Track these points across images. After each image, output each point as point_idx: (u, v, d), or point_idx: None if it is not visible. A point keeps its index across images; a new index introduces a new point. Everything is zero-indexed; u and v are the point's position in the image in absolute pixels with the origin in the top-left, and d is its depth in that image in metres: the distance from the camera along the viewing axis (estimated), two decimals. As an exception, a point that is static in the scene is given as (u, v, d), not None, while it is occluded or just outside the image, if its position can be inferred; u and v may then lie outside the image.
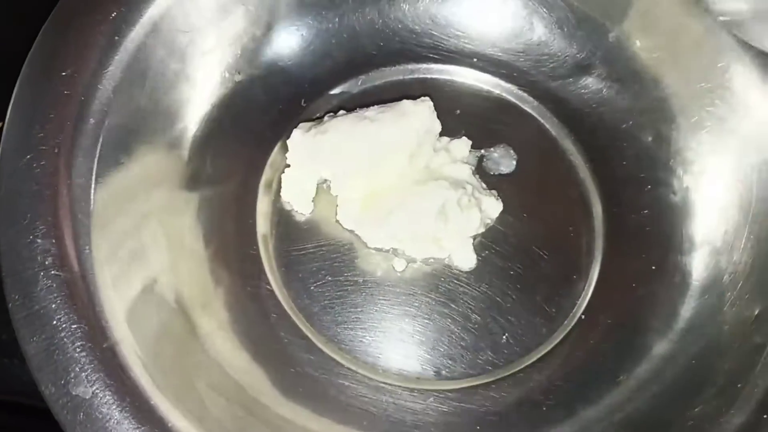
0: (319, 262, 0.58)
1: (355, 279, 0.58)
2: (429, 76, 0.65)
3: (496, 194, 0.60)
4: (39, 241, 0.45)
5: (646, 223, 0.59)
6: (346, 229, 0.59)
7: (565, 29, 0.64)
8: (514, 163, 0.62)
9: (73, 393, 0.42)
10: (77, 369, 0.43)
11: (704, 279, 0.56)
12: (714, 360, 0.52)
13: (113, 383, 0.43)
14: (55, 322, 0.43)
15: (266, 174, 0.61)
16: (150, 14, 0.54)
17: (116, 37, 0.52)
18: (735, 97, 0.56)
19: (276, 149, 0.62)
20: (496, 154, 0.63)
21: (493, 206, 0.59)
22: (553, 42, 0.64)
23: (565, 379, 0.55)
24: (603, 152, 0.62)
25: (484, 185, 0.60)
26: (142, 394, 0.44)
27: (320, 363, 0.55)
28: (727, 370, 0.50)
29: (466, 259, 0.58)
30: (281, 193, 0.59)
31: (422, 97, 0.58)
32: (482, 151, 0.62)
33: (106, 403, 0.42)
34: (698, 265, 0.56)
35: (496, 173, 0.62)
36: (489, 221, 0.59)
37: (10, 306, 0.44)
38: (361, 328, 0.56)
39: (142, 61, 0.53)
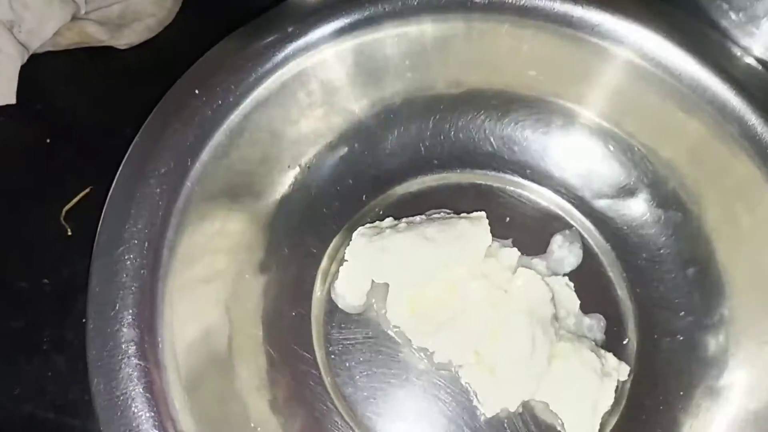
0: (367, 354, 0.62)
1: (398, 373, 0.62)
2: (483, 182, 0.70)
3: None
4: (125, 330, 0.50)
5: (680, 348, 0.62)
6: (394, 325, 0.62)
7: (616, 153, 0.67)
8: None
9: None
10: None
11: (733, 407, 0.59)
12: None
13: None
14: (133, 410, 0.48)
15: (325, 262, 0.65)
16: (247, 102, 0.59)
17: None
18: (754, 242, 0.59)
19: (335, 240, 0.66)
20: (541, 264, 0.66)
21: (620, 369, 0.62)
22: (602, 162, 0.68)
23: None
24: (643, 274, 0.66)
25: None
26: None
27: (361, 457, 0.59)
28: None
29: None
30: (336, 284, 0.64)
31: (477, 213, 0.62)
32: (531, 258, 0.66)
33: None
34: (723, 400, 0.59)
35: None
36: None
37: (92, 390, 0.48)
38: (401, 421, 0.60)
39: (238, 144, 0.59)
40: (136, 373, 0.49)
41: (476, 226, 0.61)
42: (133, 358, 0.49)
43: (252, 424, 0.56)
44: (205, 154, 0.57)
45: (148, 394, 0.49)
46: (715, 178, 0.62)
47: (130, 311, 0.50)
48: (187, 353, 0.53)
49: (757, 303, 0.60)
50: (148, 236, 0.53)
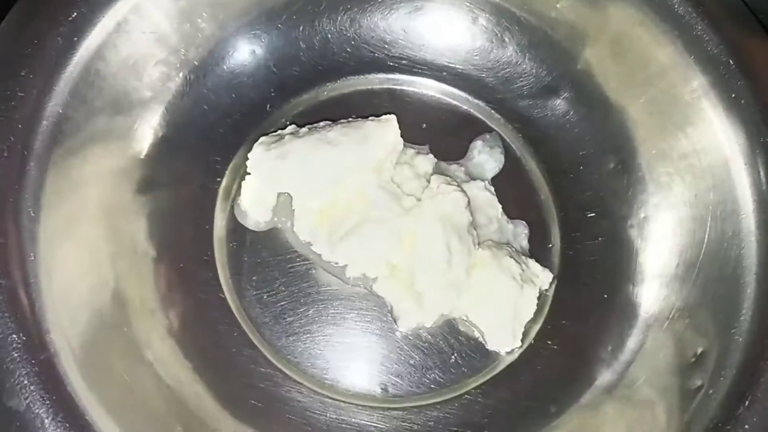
0: (274, 272, 0.58)
1: (309, 291, 0.58)
2: (398, 87, 0.65)
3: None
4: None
5: (602, 252, 0.60)
6: (304, 241, 0.58)
7: (536, 51, 0.63)
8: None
9: (7, 405, 0.42)
10: (12, 380, 0.42)
11: (652, 312, 0.56)
12: (653, 398, 0.52)
13: (48, 396, 0.43)
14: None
15: (227, 179, 0.60)
16: (111, 15, 0.53)
17: (75, 38, 0.51)
18: (698, 133, 0.56)
19: (238, 154, 0.61)
20: (459, 170, 0.62)
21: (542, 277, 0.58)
22: (523, 62, 0.64)
23: (509, 405, 0.55)
24: (564, 176, 0.62)
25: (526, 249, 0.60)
26: (77, 408, 0.44)
27: (267, 375, 0.55)
28: (665, 410, 0.50)
29: (505, 342, 0.57)
30: (240, 201, 0.59)
31: (387, 116, 0.58)
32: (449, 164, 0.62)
33: (39, 417, 0.42)
34: (648, 298, 0.57)
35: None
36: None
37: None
38: (311, 341, 0.57)
39: (99, 60, 0.52)
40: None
41: (384, 128, 0.56)
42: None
43: (147, 354, 0.51)
44: (78, 58, 0.51)
45: (12, 314, 0.44)
46: (637, 69, 0.58)
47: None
48: (66, 272, 0.48)
49: (680, 198, 0.57)
50: (9, 145, 0.47)
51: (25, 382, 0.43)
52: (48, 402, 0.43)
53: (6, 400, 0.42)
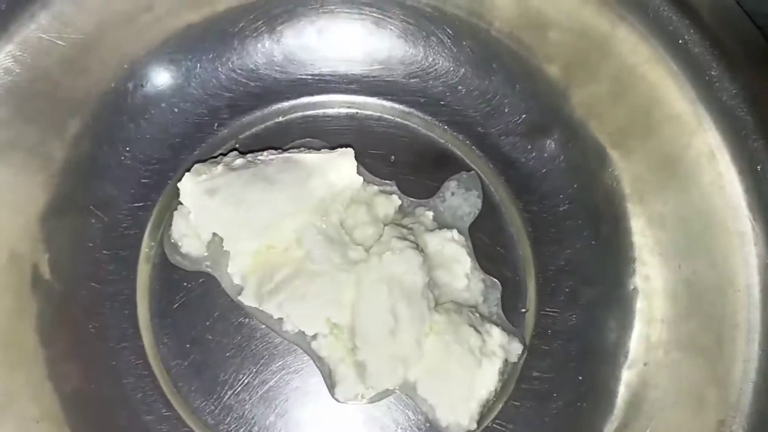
0: (202, 317, 0.51)
1: (240, 343, 0.51)
2: (363, 111, 0.57)
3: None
4: None
5: (581, 324, 0.51)
6: (236, 284, 0.50)
7: (526, 83, 0.55)
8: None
9: None
10: None
11: (633, 404, 0.48)
12: None
13: None
14: None
15: (160, 205, 0.53)
16: (31, 15, 0.46)
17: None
18: (703, 197, 0.47)
19: (176, 176, 0.53)
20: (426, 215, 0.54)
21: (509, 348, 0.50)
22: (511, 94, 0.56)
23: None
24: (547, 231, 0.54)
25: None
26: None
27: (175, 437, 0.48)
28: None
29: (458, 424, 0.48)
30: (171, 233, 0.51)
31: (342, 149, 0.50)
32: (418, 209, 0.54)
33: None
34: (630, 386, 0.49)
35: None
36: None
37: None
38: (236, 403, 0.50)
39: (15, 63, 0.46)
40: None
41: (334, 165, 0.49)
42: None
43: (28, 416, 0.44)
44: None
45: None
46: (640, 114, 0.49)
47: None
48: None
49: (674, 272, 0.48)
50: None
51: None
52: None
53: None
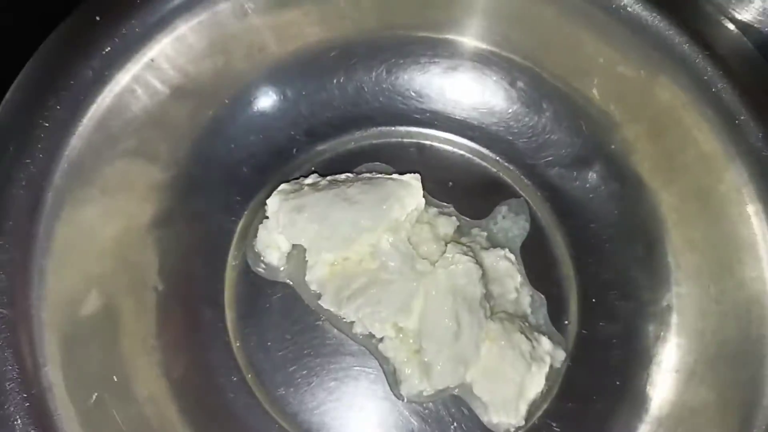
0: (282, 320, 0.57)
1: (314, 343, 0.57)
2: (428, 142, 0.64)
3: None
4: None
5: (619, 336, 0.57)
6: (313, 292, 0.57)
7: (572, 121, 0.61)
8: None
9: (-6, 435, 0.42)
10: (3, 408, 0.42)
11: (665, 407, 0.54)
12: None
13: (36, 429, 0.43)
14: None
15: (244, 220, 0.60)
16: (144, 51, 0.53)
17: (106, 72, 0.51)
18: (732, 227, 0.53)
19: (259, 195, 0.61)
20: (481, 234, 0.61)
21: (554, 355, 0.57)
22: (558, 130, 0.62)
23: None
24: (589, 253, 0.60)
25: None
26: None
27: (261, 424, 0.54)
28: None
29: (508, 419, 0.55)
30: (255, 243, 0.58)
31: (411, 175, 0.57)
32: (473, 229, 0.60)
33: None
34: (662, 391, 0.54)
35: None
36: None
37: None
38: (310, 394, 0.56)
39: (129, 94, 0.53)
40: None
41: (406, 189, 0.55)
42: (-6, 306, 0.44)
43: (139, 392, 0.51)
44: (107, 93, 0.52)
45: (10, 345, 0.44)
46: (675, 151, 0.56)
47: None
48: (67, 306, 0.48)
49: (706, 292, 0.54)
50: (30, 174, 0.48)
51: (14, 412, 0.43)
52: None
53: (-7, 430, 0.42)
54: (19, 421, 0.43)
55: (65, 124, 0.50)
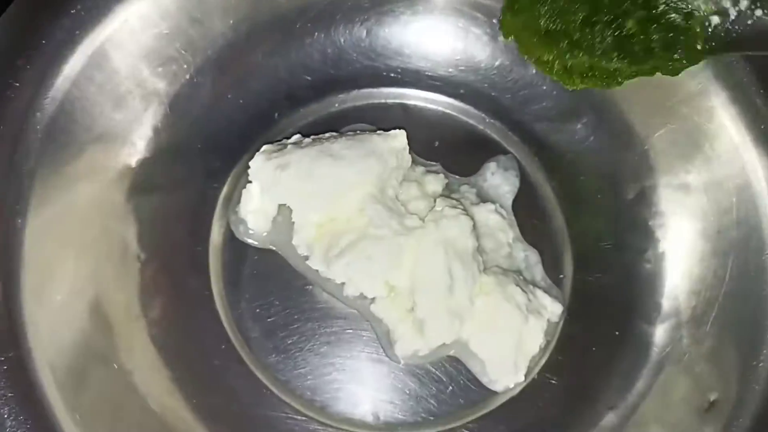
0: (270, 285, 0.56)
1: (304, 307, 0.56)
2: (411, 102, 0.63)
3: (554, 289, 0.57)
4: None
5: (615, 286, 0.56)
6: (301, 255, 0.56)
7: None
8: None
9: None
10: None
11: (665, 353, 0.53)
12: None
13: (14, 395, 0.41)
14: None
15: (227, 186, 0.58)
16: (118, 10, 0.51)
17: (77, 32, 0.50)
18: (723, 166, 0.52)
19: (241, 161, 0.59)
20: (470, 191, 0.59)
21: (550, 309, 0.55)
22: (543, 83, 0.61)
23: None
24: (580, 205, 0.59)
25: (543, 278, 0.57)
26: (44, 410, 0.42)
27: (252, 392, 0.52)
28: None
29: (507, 376, 0.53)
30: (239, 209, 0.57)
31: (396, 130, 0.55)
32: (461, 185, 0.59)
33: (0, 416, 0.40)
34: (661, 337, 0.53)
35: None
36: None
37: None
38: (302, 360, 0.54)
39: (102, 56, 0.51)
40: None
41: (391, 143, 0.54)
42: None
43: (126, 362, 0.49)
44: (81, 54, 0.50)
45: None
46: (663, 96, 0.55)
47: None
48: (49, 269, 0.47)
49: (701, 233, 0.53)
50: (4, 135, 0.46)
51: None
52: (13, 401, 0.41)
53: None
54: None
55: (37, 83, 0.48)
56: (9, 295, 0.44)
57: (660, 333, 0.53)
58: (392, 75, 0.62)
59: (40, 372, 0.43)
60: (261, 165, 0.54)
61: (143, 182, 0.55)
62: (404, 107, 0.62)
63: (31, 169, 0.47)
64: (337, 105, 0.62)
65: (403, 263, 0.52)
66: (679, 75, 0.51)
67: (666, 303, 0.54)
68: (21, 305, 0.44)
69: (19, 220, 0.46)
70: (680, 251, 0.55)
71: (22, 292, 0.44)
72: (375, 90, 0.62)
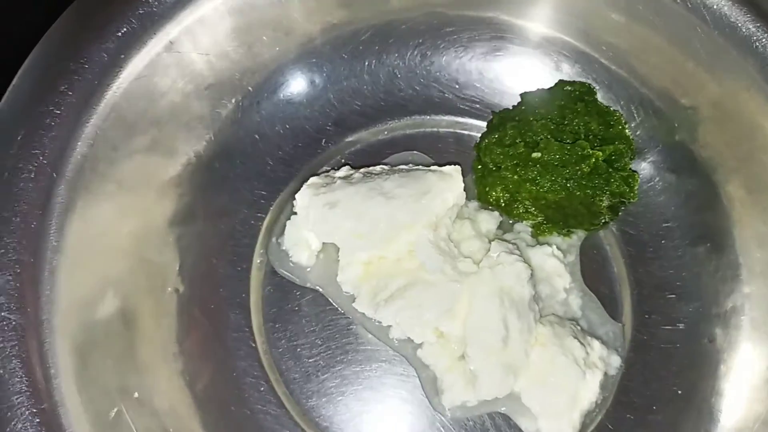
0: (312, 323, 0.53)
1: (347, 348, 0.53)
2: (466, 132, 0.59)
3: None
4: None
5: (680, 340, 0.53)
6: (346, 293, 0.53)
7: (624, 106, 0.57)
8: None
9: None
10: (8, 429, 0.38)
11: (734, 419, 0.49)
12: None
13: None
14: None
15: (271, 214, 0.56)
16: (162, 34, 0.49)
17: (122, 56, 0.47)
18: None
19: (287, 189, 0.56)
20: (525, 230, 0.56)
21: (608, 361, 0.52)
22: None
23: None
24: (643, 249, 0.56)
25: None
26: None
27: (291, 438, 0.50)
28: None
29: None
30: (282, 241, 0.54)
31: (451, 167, 0.52)
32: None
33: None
34: (729, 401, 0.50)
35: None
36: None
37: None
38: (343, 405, 0.52)
39: (148, 81, 0.49)
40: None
41: (446, 182, 0.51)
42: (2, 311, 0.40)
43: (160, 404, 0.47)
44: (124, 78, 0.48)
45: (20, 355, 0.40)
46: (740, 139, 0.51)
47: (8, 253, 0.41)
48: (81, 310, 0.44)
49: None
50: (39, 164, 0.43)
51: (21, 428, 0.39)
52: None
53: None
54: (30, 437, 0.39)
55: (78, 111, 0.46)
56: (43, 343, 0.41)
57: (728, 396, 0.50)
58: (446, 103, 0.59)
59: (74, 422, 0.41)
60: (308, 199, 0.51)
61: (184, 210, 0.53)
62: (457, 137, 0.59)
63: (68, 202, 0.44)
64: (386, 133, 0.59)
65: (455, 312, 0.49)
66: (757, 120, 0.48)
67: (734, 365, 0.51)
68: (54, 350, 0.42)
69: (55, 256, 0.43)
70: (752, 309, 0.51)
71: (56, 338, 0.42)
72: (427, 117, 0.59)
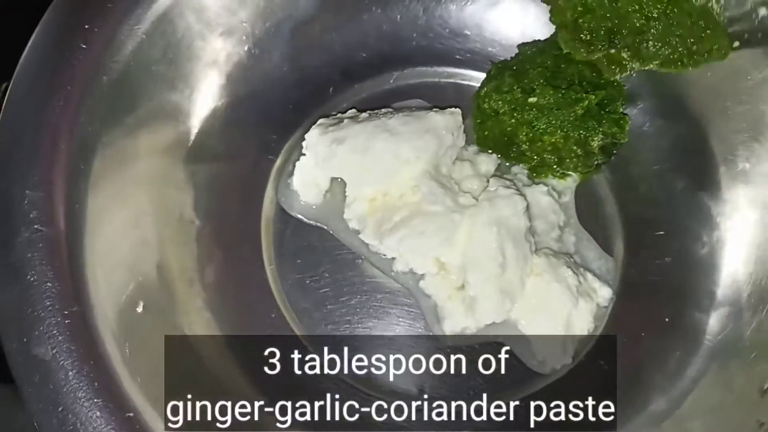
0: (320, 257, 0.56)
1: (354, 280, 0.56)
2: (466, 82, 0.62)
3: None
4: (28, 192, 0.44)
5: (667, 272, 0.55)
6: (352, 229, 0.56)
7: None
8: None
9: (33, 353, 0.41)
10: (41, 328, 0.41)
11: (718, 341, 0.52)
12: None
13: (76, 349, 0.42)
14: (29, 277, 0.42)
15: (281, 158, 0.59)
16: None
17: (144, -2, 0.50)
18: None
19: (296, 134, 0.60)
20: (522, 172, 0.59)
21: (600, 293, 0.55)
22: (601, 66, 0.60)
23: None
24: (634, 190, 0.58)
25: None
26: (105, 365, 0.43)
27: (301, 361, 0.52)
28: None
29: (555, 357, 0.53)
30: (291, 181, 0.57)
31: (451, 108, 0.55)
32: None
33: (63, 368, 0.41)
34: (714, 325, 0.53)
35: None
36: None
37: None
38: (350, 332, 0.54)
39: (167, 22, 0.52)
40: (36, 239, 0.43)
41: (447, 121, 0.54)
42: (35, 224, 0.43)
43: (181, 322, 0.50)
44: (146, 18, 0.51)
45: (51, 263, 0.43)
46: (729, 80, 0.54)
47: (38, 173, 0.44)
48: (111, 230, 0.48)
49: (759, 223, 0.53)
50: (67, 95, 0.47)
51: (55, 331, 0.42)
52: (76, 354, 0.41)
53: (33, 348, 0.41)
54: (59, 338, 0.42)
55: (103, 46, 0.49)
56: (73, 254, 0.44)
57: (712, 321, 0.53)
58: (447, 54, 0.62)
59: (101, 328, 0.43)
60: (317, 138, 0.54)
61: (199, 151, 0.56)
62: (458, 87, 0.62)
63: (93, 129, 0.47)
64: (391, 82, 0.62)
65: (455, 241, 0.52)
66: (743, 63, 0.50)
67: (719, 292, 0.53)
68: (83, 262, 0.45)
69: (82, 178, 0.46)
70: (735, 240, 0.54)
71: (85, 251, 0.45)
72: (429, 69, 0.62)
